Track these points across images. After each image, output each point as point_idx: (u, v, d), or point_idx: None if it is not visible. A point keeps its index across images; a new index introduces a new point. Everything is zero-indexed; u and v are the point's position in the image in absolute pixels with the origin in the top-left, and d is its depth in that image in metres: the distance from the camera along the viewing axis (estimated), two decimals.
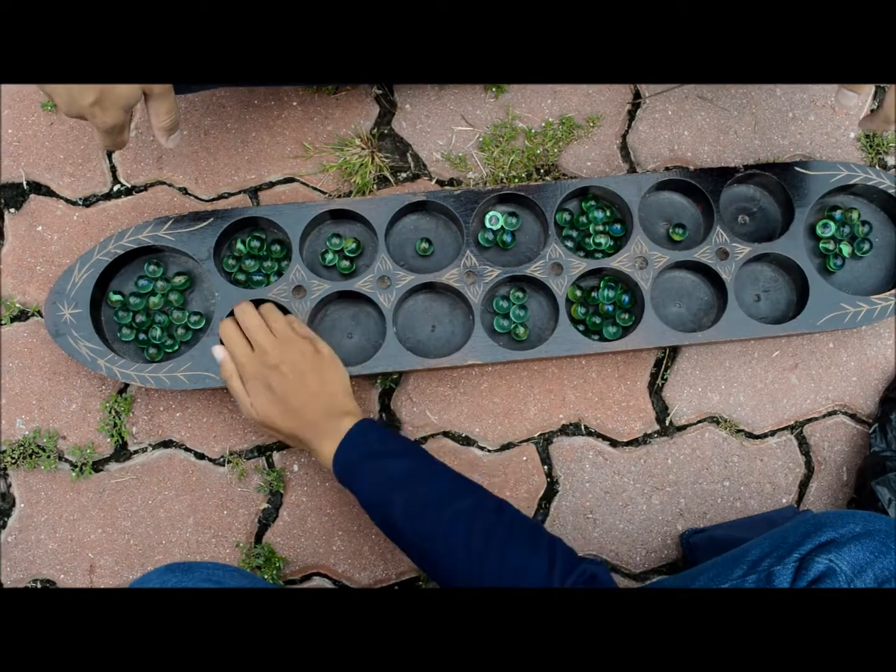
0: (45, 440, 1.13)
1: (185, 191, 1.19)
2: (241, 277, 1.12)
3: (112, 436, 1.13)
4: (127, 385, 1.14)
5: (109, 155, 1.19)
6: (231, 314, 1.07)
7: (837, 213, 1.17)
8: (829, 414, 1.18)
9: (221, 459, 1.14)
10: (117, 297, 1.11)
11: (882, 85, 1.22)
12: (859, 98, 0.95)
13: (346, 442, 0.96)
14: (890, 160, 1.24)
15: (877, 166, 1.23)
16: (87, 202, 1.18)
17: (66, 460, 1.13)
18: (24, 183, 1.18)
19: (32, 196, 1.18)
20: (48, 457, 1.12)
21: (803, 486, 1.17)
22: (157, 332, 1.10)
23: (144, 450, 1.14)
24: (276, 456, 1.14)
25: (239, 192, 1.19)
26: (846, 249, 1.16)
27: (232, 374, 1.01)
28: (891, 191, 1.15)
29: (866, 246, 1.16)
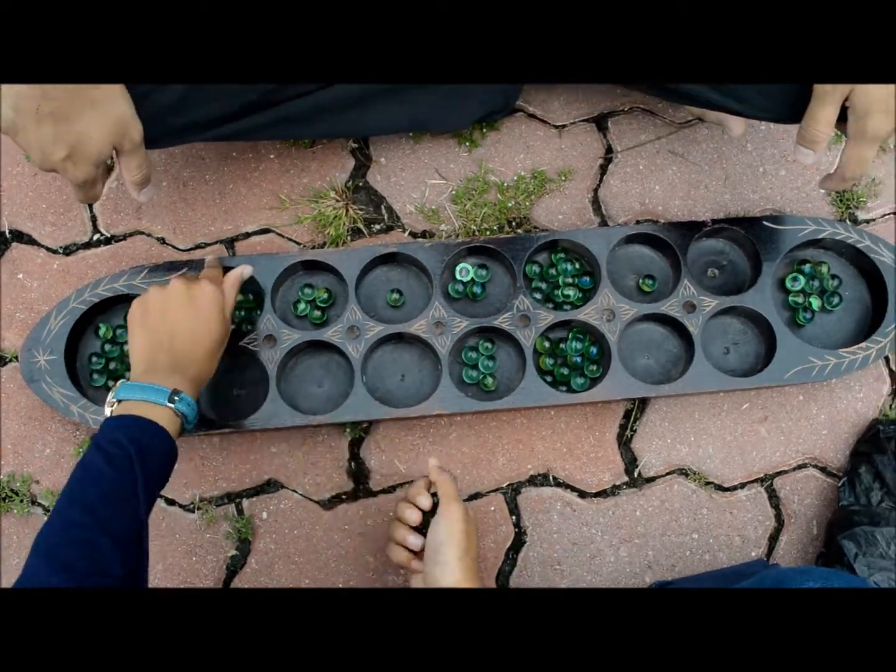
0: (18, 484, 1.15)
1: (163, 240, 1.21)
2: None
3: None
4: None
5: (90, 205, 1.22)
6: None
7: (807, 267, 1.18)
8: (800, 467, 1.18)
9: (191, 506, 1.15)
10: (104, 330, 1.13)
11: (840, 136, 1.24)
12: (816, 155, 0.96)
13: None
14: (861, 215, 1.25)
15: (847, 220, 1.24)
16: (68, 251, 1.21)
17: (40, 504, 1.15)
18: (7, 231, 1.21)
19: (14, 244, 1.21)
20: (21, 501, 1.14)
21: (773, 539, 1.17)
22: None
23: None
24: (245, 503, 1.15)
25: (215, 243, 1.21)
26: (816, 303, 1.17)
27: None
28: (859, 245, 1.16)
29: (836, 300, 1.17)
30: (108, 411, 0.90)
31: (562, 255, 1.17)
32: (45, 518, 1.12)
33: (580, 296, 1.16)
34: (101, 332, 1.14)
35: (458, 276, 1.16)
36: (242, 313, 1.14)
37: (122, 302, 1.14)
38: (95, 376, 1.13)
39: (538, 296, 1.16)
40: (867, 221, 1.25)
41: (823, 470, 1.18)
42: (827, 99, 0.90)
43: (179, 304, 0.96)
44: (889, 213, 1.25)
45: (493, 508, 1.15)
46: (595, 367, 1.13)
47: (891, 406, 1.19)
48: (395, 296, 1.16)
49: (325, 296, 1.15)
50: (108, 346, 1.13)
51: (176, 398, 0.90)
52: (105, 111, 0.89)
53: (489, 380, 1.13)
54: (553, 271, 1.17)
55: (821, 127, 0.92)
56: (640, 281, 1.17)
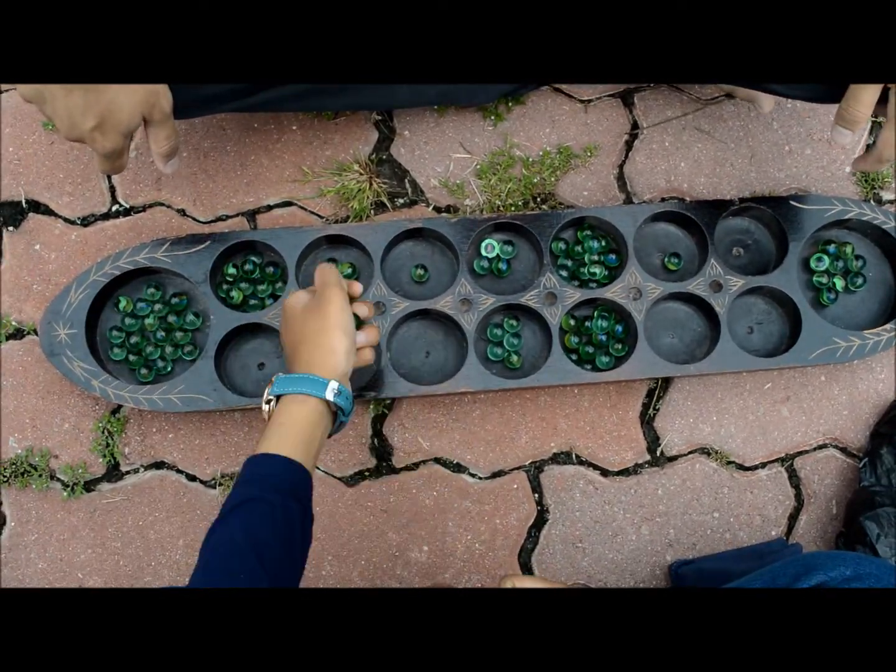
0: (37, 459, 1.13)
1: (183, 212, 1.19)
2: (237, 300, 1.12)
3: (104, 456, 1.14)
4: (120, 406, 1.15)
5: (109, 176, 1.20)
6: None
7: (831, 247, 1.17)
8: (820, 447, 1.18)
9: (213, 482, 1.14)
10: (124, 304, 1.12)
11: (878, 120, 1.23)
12: (853, 135, 0.95)
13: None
14: (885, 195, 1.24)
15: (872, 201, 1.23)
16: (86, 222, 1.19)
17: (58, 479, 1.14)
18: (24, 201, 1.19)
19: (31, 215, 1.19)
20: (40, 476, 1.13)
21: (793, 518, 1.17)
22: (151, 349, 1.11)
23: (136, 470, 1.14)
24: None
25: (237, 215, 1.20)
26: (839, 283, 1.17)
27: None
28: (885, 226, 1.16)
29: (860, 280, 1.17)
30: (265, 409, 0.89)
31: (588, 232, 1.16)
32: (65, 494, 1.12)
33: (606, 273, 1.15)
34: (122, 305, 1.12)
35: (483, 252, 1.15)
36: (266, 287, 1.13)
37: (143, 275, 1.13)
38: (116, 350, 1.11)
39: (564, 273, 1.16)
40: (891, 202, 1.24)
41: (844, 450, 1.18)
42: None
43: (337, 310, 0.91)
44: None
45: (515, 486, 1.15)
46: (620, 346, 1.13)
47: None
48: (420, 271, 1.14)
49: (350, 271, 1.13)
50: (128, 320, 1.12)
51: (334, 390, 0.87)
52: None
53: (514, 357, 1.13)
54: (579, 249, 1.16)
55: (862, 108, 0.91)
56: (666, 259, 1.16)
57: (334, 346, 0.90)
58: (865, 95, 0.90)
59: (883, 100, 0.91)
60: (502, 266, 1.15)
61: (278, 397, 0.88)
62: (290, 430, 0.86)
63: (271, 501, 0.80)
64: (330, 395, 0.87)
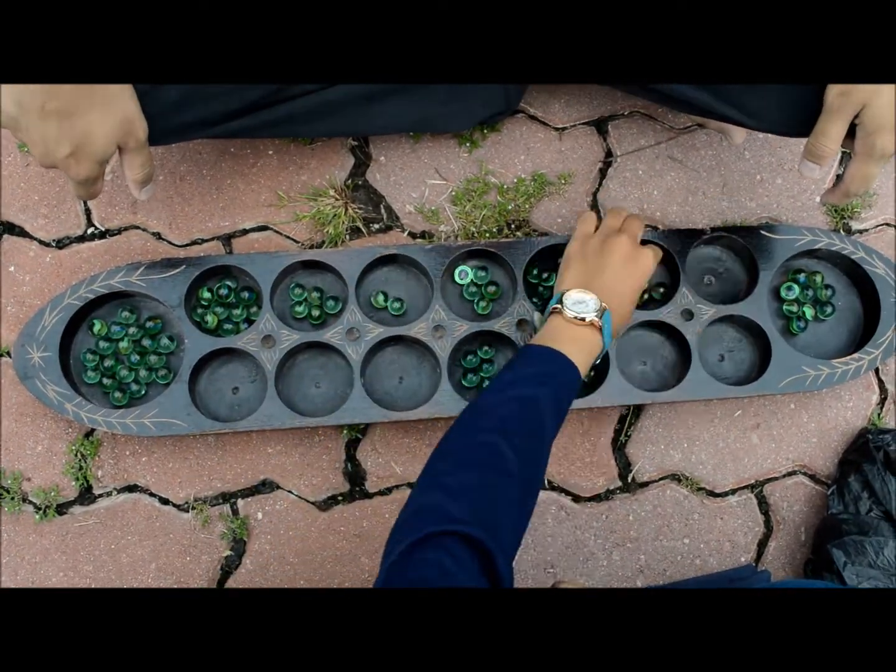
0: (9, 482, 1.13)
1: (158, 236, 1.20)
2: (211, 325, 1.13)
3: (77, 479, 1.14)
4: (93, 429, 1.15)
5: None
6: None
7: (801, 277, 1.19)
8: (789, 474, 1.20)
9: (186, 505, 1.14)
10: (99, 327, 1.12)
11: (847, 151, 1.25)
12: (822, 169, 0.97)
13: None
14: (855, 226, 1.26)
15: (841, 231, 1.25)
16: (61, 244, 1.19)
17: (31, 502, 1.14)
18: None
19: (6, 236, 1.19)
20: (12, 498, 1.13)
21: (762, 545, 1.18)
22: (125, 373, 1.12)
23: (109, 494, 1.14)
24: (240, 503, 1.15)
25: (212, 239, 1.20)
26: (809, 312, 1.18)
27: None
28: (854, 256, 1.18)
29: (829, 309, 1.19)
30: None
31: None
32: (37, 517, 1.12)
33: None
34: (96, 329, 1.12)
35: (457, 279, 1.16)
36: (240, 311, 1.13)
37: (117, 298, 1.13)
38: (90, 373, 1.11)
39: (537, 300, 1.17)
40: (860, 232, 1.26)
41: (812, 477, 1.20)
42: (838, 115, 0.90)
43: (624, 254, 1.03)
44: (882, 224, 1.26)
45: None
46: (592, 373, 1.14)
47: (879, 415, 1.21)
48: (397, 304, 1.15)
49: (318, 294, 1.14)
50: (102, 344, 1.12)
51: (602, 315, 0.98)
52: (111, 109, 0.87)
53: (487, 384, 1.14)
54: (548, 275, 1.17)
55: (830, 142, 0.93)
56: (649, 293, 1.18)
57: None
58: (833, 130, 0.92)
59: (851, 134, 0.92)
60: (483, 294, 1.16)
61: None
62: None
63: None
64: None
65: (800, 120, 0.96)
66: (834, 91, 0.90)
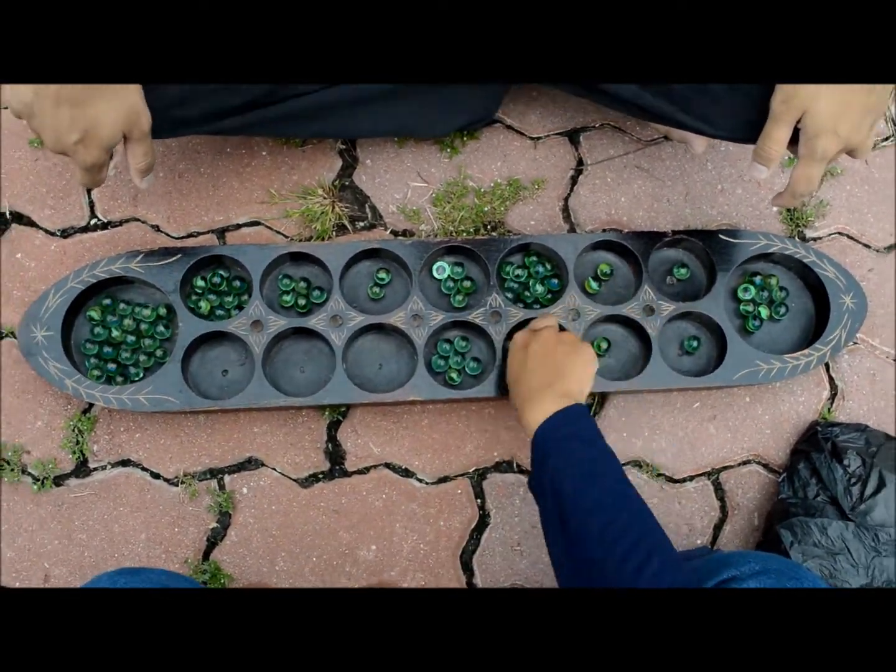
0: (9, 454, 1.20)
1: (157, 228, 1.28)
2: (204, 310, 1.20)
3: (74, 453, 1.21)
4: (91, 405, 1.22)
5: (89, 191, 1.29)
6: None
7: (757, 279, 1.27)
8: (744, 463, 1.27)
9: (175, 480, 1.22)
10: (92, 314, 1.19)
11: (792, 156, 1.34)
12: (769, 171, 1.05)
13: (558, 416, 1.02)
14: (809, 233, 1.35)
15: (796, 237, 1.34)
16: (65, 234, 1.27)
17: (29, 474, 1.21)
18: (7, 213, 1.27)
19: (14, 225, 1.27)
20: (12, 470, 1.20)
21: (717, 528, 1.26)
22: (127, 354, 1.19)
23: (104, 467, 1.21)
24: (227, 479, 1.22)
25: (207, 232, 1.28)
26: (764, 312, 1.26)
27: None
28: (806, 260, 1.26)
29: (783, 310, 1.27)
30: None
31: (534, 257, 1.26)
32: (35, 487, 1.18)
33: (549, 297, 1.24)
34: (96, 311, 1.20)
35: (435, 274, 1.24)
36: (232, 299, 1.21)
37: (117, 284, 1.21)
38: (89, 351, 1.19)
39: (509, 295, 1.25)
40: (814, 239, 1.35)
41: (766, 466, 1.28)
42: (781, 120, 0.99)
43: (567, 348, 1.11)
44: (834, 233, 1.35)
45: (459, 492, 1.23)
46: None
47: (829, 409, 1.29)
48: (377, 289, 1.23)
49: (304, 285, 1.22)
50: (100, 328, 1.19)
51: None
52: (119, 99, 0.95)
53: (454, 374, 1.21)
54: (520, 272, 1.25)
55: (775, 145, 1.01)
56: (585, 282, 1.26)
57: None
58: (778, 134, 1.00)
59: (795, 140, 1.01)
60: (459, 288, 1.24)
61: None
62: None
63: None
64: None
65: (749, 126, 1.04)
66: (778, 98, 0.98)
